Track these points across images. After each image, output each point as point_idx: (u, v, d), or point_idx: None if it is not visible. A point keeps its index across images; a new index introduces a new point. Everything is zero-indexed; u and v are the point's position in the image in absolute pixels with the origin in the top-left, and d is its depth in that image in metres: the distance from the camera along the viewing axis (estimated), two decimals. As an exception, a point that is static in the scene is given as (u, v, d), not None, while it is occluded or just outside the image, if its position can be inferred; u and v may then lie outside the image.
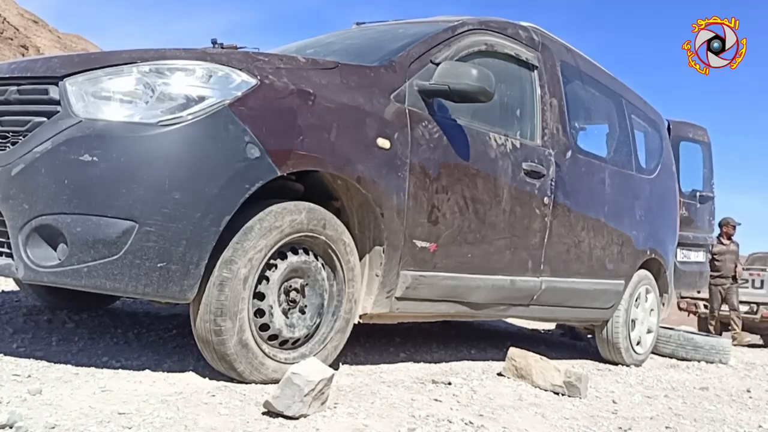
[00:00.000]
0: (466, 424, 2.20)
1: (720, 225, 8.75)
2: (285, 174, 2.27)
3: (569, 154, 3.65)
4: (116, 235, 1.98)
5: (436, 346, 3.85)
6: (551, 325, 6.19)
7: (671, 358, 5.22)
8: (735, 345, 7.91)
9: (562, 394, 2.97)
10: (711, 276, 8.34)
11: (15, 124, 2.15)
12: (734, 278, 8.92)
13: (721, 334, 8.43)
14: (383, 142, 2.58)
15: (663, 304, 4.90)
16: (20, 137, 2.11)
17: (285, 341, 2.37)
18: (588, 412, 2.75)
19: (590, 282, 3.89)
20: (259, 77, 2.23)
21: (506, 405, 2.60)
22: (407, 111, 2.71)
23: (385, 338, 3.75)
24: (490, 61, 3.25)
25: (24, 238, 2.03)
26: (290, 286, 2.37)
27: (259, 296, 2.27)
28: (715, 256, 8.63)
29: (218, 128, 2.10)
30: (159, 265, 2.01)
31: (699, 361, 5.16)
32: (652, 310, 4.67)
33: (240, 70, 2.21)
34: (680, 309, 10.20)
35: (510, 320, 5.83)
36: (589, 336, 5.22)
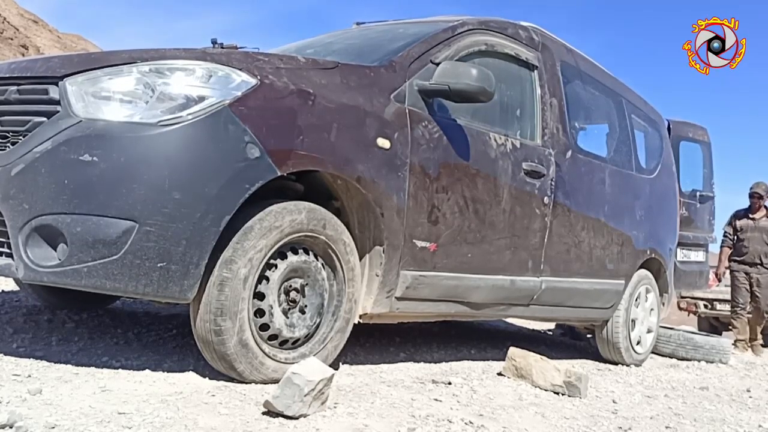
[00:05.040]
0: (466, 424, 2.20)
1: (749, 195, 6.74)
2: (285, 174, 2.27)
3: (569, 153, 3.65)
4: (116, 235, 1.98)
5: (436, 346, 3.85)
6: (551, 325, 6.19)
7: (671, 357, 5.22)
8: (755, 353, 6.48)
9: (562, 394, 2.97)
10: (733, 259, 6.79)
11: (15, 124, 2.15)
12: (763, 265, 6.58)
13: (721, 334, 8.21)
14: (383, 142, 2.58)
15: (663, 304, 4.90)
16: (20, 137, 2.11)
17: (285, 341, 2.37)
18: (588, 412, 2.75)
19: (590, 282, 3.89)
20: (259, 77, 2.23)
21: (506, 405, 2.60)
22: (407, 111, 2.71)
23: (385, 338, 3.75)
24: (490, 61, 3.25)
25: (24, 238, 2.03)
26: (290, 286, 2.37)
27: (259, 296, 2.27)
28: (738, 235, 6.74)
29: (218, 128, 2.10)
30: (159, 265, 2.01)
31: (699, 361, 5.16)
32: (652, 309, 4.67)
33: (240, 70, 2.21)
34: (680, 309, 10.11)
35: (510, 320, 5.83)
36: (589, 336, 5.23)
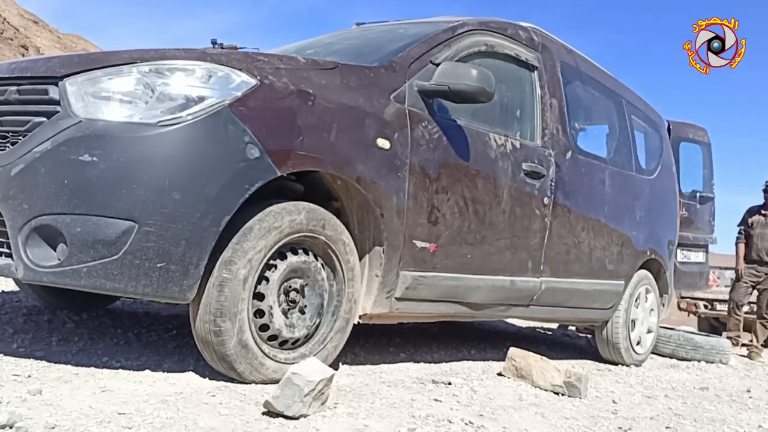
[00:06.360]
0: (466, 424, 2.20)
1: (763, 190, 6.51)
2: (285, 174, 2.27)
3: (569, 154, 3.65)
4: (116, 235, 1.98)
5: (436, 346, 3.85)
6: (550, 325, 6.19)
7: (671, 358, 5.22)
8: (751, 358, 6.05)
9: (562, 394, 2.97)
10: (744, 258, 6.49)
11: (15, 124, 2.15)
12: None
13: (721, 334, 8.12)
14: (383, 143, 2.58)
15: (663, 305, 4.90)
16: (20, 137, 2.11)
17: (285, 341, 2.37)
18: (588, 412, 2.75)
19: (590, 282, 3.89)
20: (258, 77, 2.23)
21: (506, 405, 2.60)
22: (407, 111, 2.71)
23: (385, 338, 3.75)
24: (490, 62, 3.25)
25: (24, 238, 2.03)
26: (290, 287, 2.37)
27: (259, 297, 2.27)
28: (749, 231, 6.46)
29: (218, 128, 2.10)
30: (158, 265, 2.01)
31: (699, 361, 5.16)
32: (652, 310, 4.67)
33: (240, 70, 2.21)
34: (680, 309, 10.09)
35: (510, 320, 5.83)
36: (588, 336, 5.22)
